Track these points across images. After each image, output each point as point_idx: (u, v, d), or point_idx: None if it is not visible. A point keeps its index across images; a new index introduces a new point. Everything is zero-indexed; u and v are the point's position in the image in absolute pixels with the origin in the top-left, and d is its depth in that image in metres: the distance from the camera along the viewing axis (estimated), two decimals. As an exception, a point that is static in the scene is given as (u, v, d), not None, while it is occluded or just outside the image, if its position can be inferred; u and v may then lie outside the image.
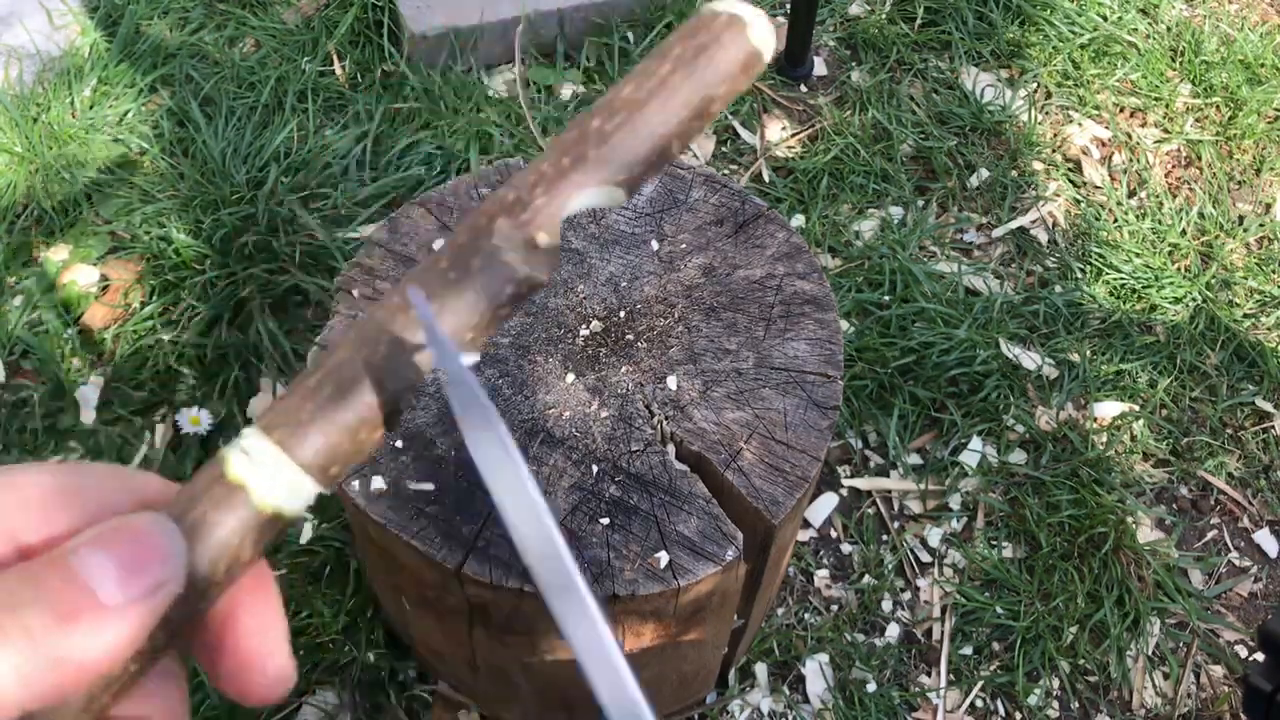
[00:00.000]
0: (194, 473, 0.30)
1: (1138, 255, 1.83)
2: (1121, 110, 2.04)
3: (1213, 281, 1.81)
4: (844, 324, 1.67)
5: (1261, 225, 1.90)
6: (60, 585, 0.27)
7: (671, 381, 1.00)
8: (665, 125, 0.29)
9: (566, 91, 1.95)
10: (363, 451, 0.31)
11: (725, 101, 0.30)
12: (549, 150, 0.30)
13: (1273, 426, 1.68)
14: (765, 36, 0.31)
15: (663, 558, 0.90)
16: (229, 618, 0.31)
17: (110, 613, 0.27)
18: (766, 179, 1.88)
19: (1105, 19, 2.15)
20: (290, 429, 0.30)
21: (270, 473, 0.29)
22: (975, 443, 1.60)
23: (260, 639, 0.31)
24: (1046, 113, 2.03)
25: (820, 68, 2.05)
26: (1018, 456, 1.60)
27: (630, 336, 1.03)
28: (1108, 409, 1.66)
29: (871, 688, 1.40)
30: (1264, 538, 1.59)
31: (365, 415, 0.30)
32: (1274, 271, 1.84)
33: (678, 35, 0.30)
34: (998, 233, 1.85)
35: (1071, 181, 1.93)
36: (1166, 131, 2.01)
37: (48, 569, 0.27)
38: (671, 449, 0.97)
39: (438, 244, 1.11)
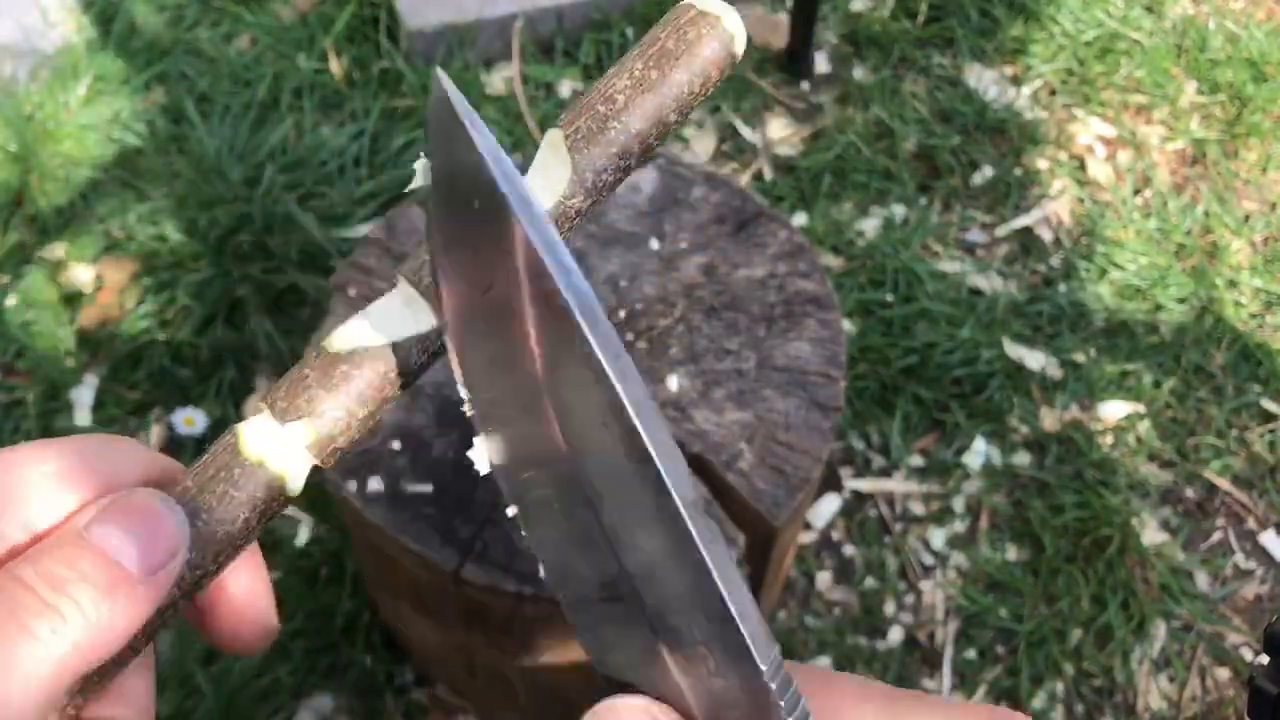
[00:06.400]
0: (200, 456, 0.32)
1: (1143, 254, 1.82)
2: (1126, 108, 2.03)
3: (1218, 281, 1.80)
4: (846, 324, 1.65)
5: (1268, 224, 1.89)
6: (92, 561, 0.28)
7: (672, 382, 0.98)
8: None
9: (565, 89, 1.93)
10: (368, 425, 0.33)
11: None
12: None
13: (1279, 427, 1.67)
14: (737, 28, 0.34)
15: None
16: (222, 578, 0.33)
17: (140, 585, 0.28)
18: (768, 177, 1.86)
19: (1110, 16, 2.13)
20: (299, 405, 0.31)
21: (281, 449, 0.31)
22: (979, 444, 1.59)
23: (252, 597, 0.34)
24: (1050, 110, 2.01)
25: (822, 65, 2.03)
26: (1022, 458, 1.59)
27: (630, 336, 1.01)
28: (1113, 410, 1.64)
29: (874, 691, 1.38)
30: (1270, 539, 1.57)
31: (372, 386, 0.32)
32: (1280, 270, 1.83)
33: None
34: (1001, 231, 1.84)
35: (1076, 180, 1.92)
36: (1172, 129, 2.00)
37: (70, 546, 0.28)
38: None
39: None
